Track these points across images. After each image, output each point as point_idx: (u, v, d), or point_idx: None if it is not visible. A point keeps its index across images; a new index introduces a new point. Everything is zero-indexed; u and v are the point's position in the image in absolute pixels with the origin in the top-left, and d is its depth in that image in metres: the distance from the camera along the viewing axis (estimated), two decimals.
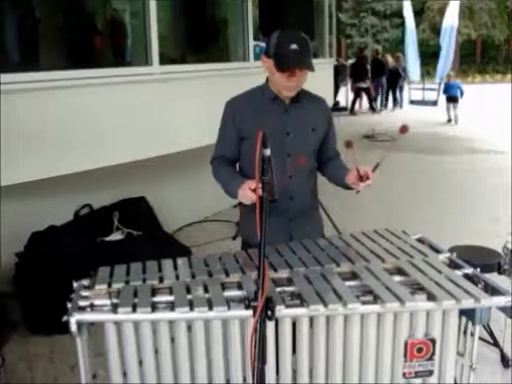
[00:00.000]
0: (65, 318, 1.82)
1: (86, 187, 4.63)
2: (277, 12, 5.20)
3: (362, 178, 2.27)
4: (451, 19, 15.23)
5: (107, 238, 4.52)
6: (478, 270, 2.03)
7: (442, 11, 24.46)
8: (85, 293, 1.99)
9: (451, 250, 3.22)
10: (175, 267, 2.15)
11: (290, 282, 1.97)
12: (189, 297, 1.87)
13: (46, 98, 3.87)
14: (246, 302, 1.49)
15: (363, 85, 15.71)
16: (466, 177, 7.93)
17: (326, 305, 1.77)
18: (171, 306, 1.83)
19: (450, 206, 6.42)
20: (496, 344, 3.22)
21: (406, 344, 1.88)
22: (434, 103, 14.94)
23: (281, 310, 1.76)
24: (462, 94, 13.54)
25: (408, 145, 10.03)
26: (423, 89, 15.96)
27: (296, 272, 2.02)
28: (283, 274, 2.03)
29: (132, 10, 5.21)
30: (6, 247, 3.83)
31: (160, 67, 4.64)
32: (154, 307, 1.84)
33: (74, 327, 1.81)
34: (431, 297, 1.82)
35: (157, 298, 1.90)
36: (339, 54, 21.35)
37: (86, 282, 2.08)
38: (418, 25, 26.27)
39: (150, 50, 4.58)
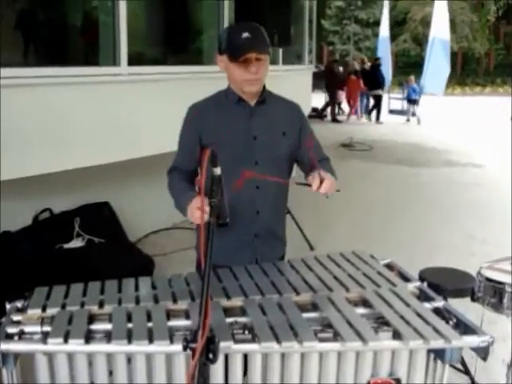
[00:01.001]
0: None
1: (46, 191, 4.40)
2: (253, 16, 5.02)
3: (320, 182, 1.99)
4: (439, 30, 15.42)
5: (66, 245, 4.31)
6: (448, 301, 1.87)
7: (424, 21, 24.65)
8: (16, 317, 1.79)
9: (423, 272, 3.14)
10: (119, 289, 1.96)
11: (243, 312, 1.79)
12: (129, 325, 1.68)
13: (9, 96, 3.64)
14: (184, 343, 1.31)
15: (380, 92, 15.61)
16: (442, 190, 7.82)
17: (279, 341, 1.59)
18: (108, 337, 1.64)
19: (425, 220, 6.30)
20: (467, 372, 3.07)
21: None
22: (413, 114, 15.05)
23: (230, 346, 1.58)
24: (419, 95, 15.39)
25: (385, 155, 9.97)
26: (403, 99, 16.05)
27: (251, 300, 1.85)
28: (237, 301, 1.85)
29: (103, 7, 4.98)
30: None
31: (128, 68, 4.44)
32: (90, 337, 1.65)
33: None
34: (397, 335, 1.65)
35: (94, 326, 1.71)
36: (320, 61, 21.35)
37: (20, 304, 1.88)
38: (399, 35, 26.45)
39: (118, 49, 4.38)
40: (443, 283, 2.97)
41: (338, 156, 10.20)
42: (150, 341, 1.60)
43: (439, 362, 1.73)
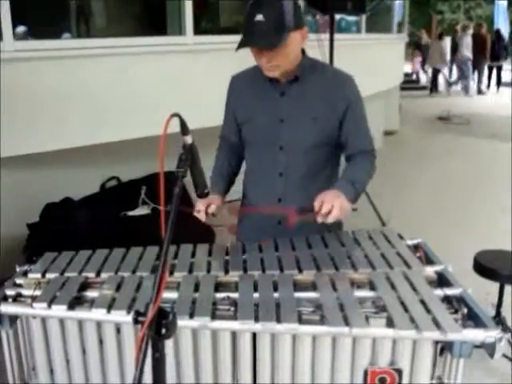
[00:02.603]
0: None
1: (115, 159, 4.52)
2: None
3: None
4: None
5: (131, 213, 4.40)
6: (470, 291, 1.68)
7: None
8: (19, 280, 1.83)
9: (478, 255, 2.89)
10: (140, 257, 1.94)
11: (236, 287, 1.70)
12: (115, 295, 1.66)
13: (71, 66, 3.75)
14: (134, 316, 1.25)
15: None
16: None
17: (257, 319, 1.50)
18: (90, 305, 1.63)
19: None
20: None
21: (365, 373, 1.58)
22: None
23: (205, 321, 1.52)
24: None
25: (482, 129, 9.34)
26: None
27: (248, 276, 1.76)
28: (234, 276, 1.77)
29: None
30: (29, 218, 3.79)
31: (194, 37, 4.41)
32: (75, 304, 1.64)
33: None
34: (390, 322, 1.50)
35: (86, 293, 1.71)
36: (429, 31, 20.29)
37: (28, 268, 1.92)
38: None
39: (184, 19, 4.36)
40: (499, 268, 2.73)
41: (433, 129, 9.75)
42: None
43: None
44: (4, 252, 3.63)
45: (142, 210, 4.50)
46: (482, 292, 3.04)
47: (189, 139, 1.41)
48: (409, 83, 14.78)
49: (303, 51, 2.00)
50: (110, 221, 4.10)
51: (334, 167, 2.13)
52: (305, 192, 2.00)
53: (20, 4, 3.55)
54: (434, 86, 15.01)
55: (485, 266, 2.71)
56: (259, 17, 1.77)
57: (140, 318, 1.24)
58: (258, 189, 2.10)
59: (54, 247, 3.63)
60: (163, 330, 1.25)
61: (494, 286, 2.92)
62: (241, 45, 1.81)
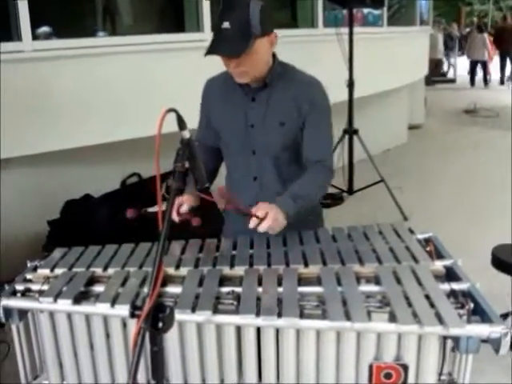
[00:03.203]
0: None
1: (135, 156, 4.56)
2: None
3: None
4: None
5: (150, 209, 4.42)
6: (478, 285, 1.65)
7: None
8: (29, 275, 1.86)
9: (496, 249, 2.84)
10: (148, 252, 1.96)
11: (240, 281, 1.70)
12: (120, 290, 1.67)
13: (90, 64, 3.80)
14: (131, 310, 1.26)
15: None
16: None
17: (258, 314, 1.50)
18: (96, 299, 1.64)
19: None
20: None
21: (370, 368, 1.56)
22: None
23: (207, 315, 1.52)
24: None
25: (510, 123, 9.14)
26: None
27: (253, 270, 1.76)
28: (239, 271, 1.77)
29: None
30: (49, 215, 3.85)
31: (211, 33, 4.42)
32: (82, 298, 1.66)
33: (0, 312, 1.69)
34: (392, 317, 1.48)
35: (93, 288, 1.73)
36: (458, 23, 19.96)
37: (38, 263, 1.94)
38: None
39: (201, 16, 4.37)
40: None
41: (459, 123, 9.60)
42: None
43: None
44: (25, 248, 3.70)
45: (162, 206, 4.53)
46: (501, 286, 2.98)
47: (186, 134, 1.41)
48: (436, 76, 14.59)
49: (274, 56, 2.00)
50: (131, 217, 4.12)
51: (300, 170, 2.08)
52: (278, 194, 1.99)
53: (44, 4, 3.61)
54: (471, 78, 14.78)
55: (502, 260, 2.66)
56: (225, 24, 1.77)
57: (136, 312, 1.25)
58: (236, 192, 2.10)
59: (74, 244, 3.69)
60: (160, 324, 1.26)
61: None
62: (207, 53, 1.82)
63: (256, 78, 1.94)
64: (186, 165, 1.43)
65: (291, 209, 1.88)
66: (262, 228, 1.80)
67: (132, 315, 1.26)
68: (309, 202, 1.99)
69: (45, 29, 3.91)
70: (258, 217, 1.80)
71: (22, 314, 1.74)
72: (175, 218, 1.96)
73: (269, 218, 1.80)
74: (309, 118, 1.98)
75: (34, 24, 3.54)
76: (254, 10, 1.81)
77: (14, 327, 1.76)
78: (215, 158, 2.18)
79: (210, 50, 1.81)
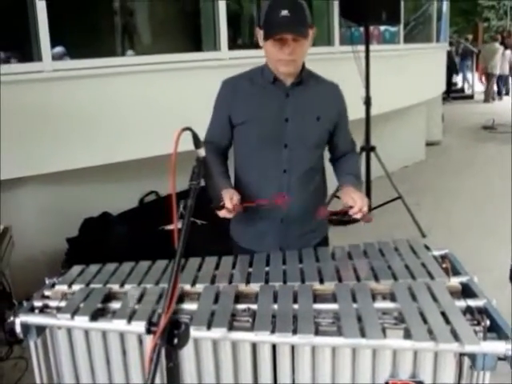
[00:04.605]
0: (11, 318, 1.71)
1: (153, 174, 4.60)
2: None
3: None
4: None
5: (168, 227, 4.46)
6: (494, 302, 1.63)
7: None
8: (47, 292, 1.88)
9: None
10: (165, 269, 1.97)
11: (256, 298, 1.71)
12: (136, 307, 1.69)
13: (103, 84, 3.86)
14: (147, 326, 1.27)
15: None
16: None
17: (273, 330, 1.50)
18: (112, 316, 1.66)
19: None
20: None
21: None
22: None
23: (223, 332, 1.53)
24: None
25: None
26: None
27: (268, 287, 1.76)
28: (255, 287, 1.77)
29: None
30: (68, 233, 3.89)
31: (228, 52, 4.48)
32: (98, 315, 1.68)
33: (18, 329, 1.71)
34: (407, 334, 1.48)
35: (110, 305, 1.74)
36: (475, 39, 19.91)
37: (56, 280, 1.97)
38: None
39: (218, 35, 4.43)
40: None
41: (477, 139, 9.54)
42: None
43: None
44: (44, 266, 3.74)
45: (179, 224, 4.55)
46: None
47: (202, 152, 1.43)
48: (453, 92, 14.55)
49: None
50: (148, 235, 4.16)
51: (323, 165, 2.27)
52: (306, 187, 2.15)
53: (59, 24, 3.69)
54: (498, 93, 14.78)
55: None
56: (284, 12, 1.90)
57: (152, 328, 1.26)
58: (263, 186, 2.12)
59: (92, 261, 3.73)
60: (175, 340, 1.27)
61: None
62: (273, 34, 1.92)
63: (296, 70, 2.04)
64: (202, 183, 1.44)
65: (360, 186, 2.13)
66: (364, 210, 1.95)
67: (148, 331, 1.27)
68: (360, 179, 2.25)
69: (59, 49, 3.98)
70: (351, 207, 1.95)
71: (40, 330, 1.76)
72: (229, 213, 1.96)
73: (359, 199, 1.95)
74: (342, 115, 2.20)
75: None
76: (305, 3, 1.99)
77: (31, 343, 1.78)
78: (226, 156, 2.26)
79: (278, 31, 1.92)
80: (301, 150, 2.11)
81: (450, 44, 12.67)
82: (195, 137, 1.41)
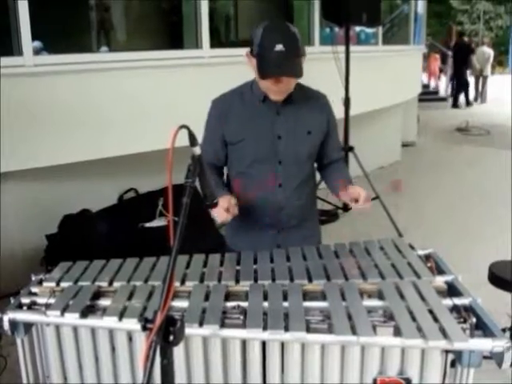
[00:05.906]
0: None
1: (133, 171, 4.58)
2: None
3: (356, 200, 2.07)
4: None
5: (148, 224, 4.44)
6: (479, 301, 1.67)
7: None
8: (34, 289, 1.86)
9: (493, 265, 2.87)
10: (153, 267, 1.97)
11: (246, 296, 1.72)
12: (127, 303, 1.69)
13: (83, 80, 3.82)
14: (142, 323, 1.27)
15: None
16: None
17: (265, 328, 1.51)
18: (102, 313, 1.66)
19: None
20: None
21: (375, 382, 1.59)
22: None
23: (215, 329, 1.54)
24: None
25: (502, 140, 9.25)
26: None
27: (258, 285, 1.77)
28: (245, 285, 1.78)
29: None
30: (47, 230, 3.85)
31: (210, 51, 4.47)
32: (88, 312, 1.67)
33: (6, 326, 1.70)
34: (397, 331, 1.51)
35: (100, 302, 1.74)
36: (446, 43, 20.18)
37: (43, 277, 1.95)
38: None
39: (200, 33, 4.42)
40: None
41: (451, 141, 9.69)
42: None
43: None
44: (24, 262, 3.70)
45: (159, 222, 4.54)
46: (498, 302, 3.01)
47: (197, 150, 1.44)
48: (427, 94, 14.72)
49: None
50: (128, 232, 4.14)
51: (314, 175, 2.33)
52: (300, 198, 2.22)
53: (36, 19, 3.64)
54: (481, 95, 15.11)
55: (499, 277, 2.70)
56: (279, 46, 1.87)
57: (148, 325, 1.26)
58: (259, 201, 2.17)
59: (71, 258, 3.69)
60: (171, 337, 1.27)
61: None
62: (269, 75, 1.93)
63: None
64: (197, 180, 1.45)
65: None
66: (367, 202, 2.06)
67: (144, 328, 1.27)
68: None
69: (36, 43, 3.92)
70: (356, 200, 2.06)
71: (28, 327, 1.75)
72: (226, 215, 2.02)
73: (362, 192, 2.06)
74: (331, 125, 2.23)
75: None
76: (298, 32, 1.95)
77: (18, 340, 1.77)
78: (221, 175, 2.29)
79: (274, 73, 1.92)
80: (295, 164, 2.15)
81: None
82: (191, 135, 1.41)
